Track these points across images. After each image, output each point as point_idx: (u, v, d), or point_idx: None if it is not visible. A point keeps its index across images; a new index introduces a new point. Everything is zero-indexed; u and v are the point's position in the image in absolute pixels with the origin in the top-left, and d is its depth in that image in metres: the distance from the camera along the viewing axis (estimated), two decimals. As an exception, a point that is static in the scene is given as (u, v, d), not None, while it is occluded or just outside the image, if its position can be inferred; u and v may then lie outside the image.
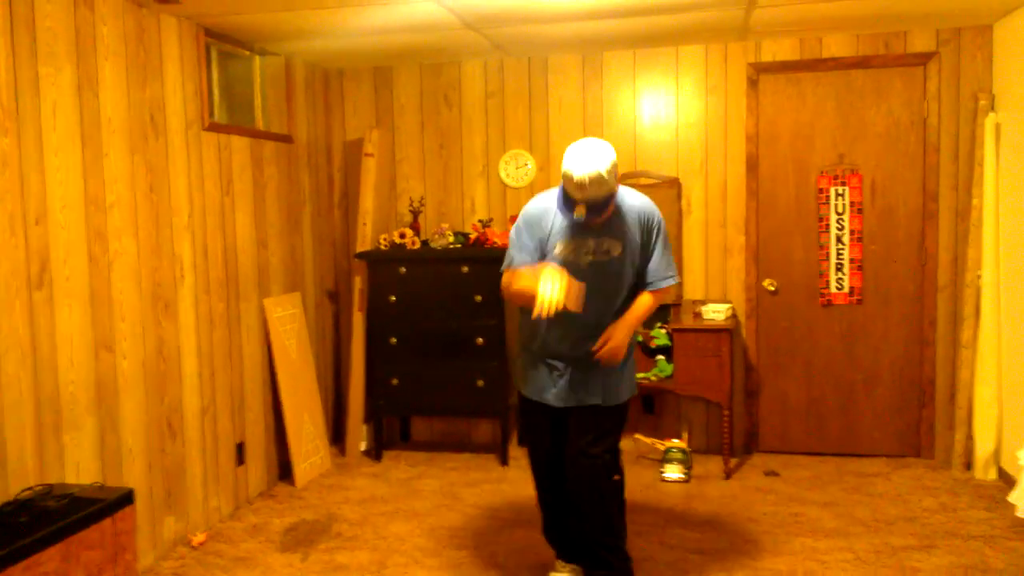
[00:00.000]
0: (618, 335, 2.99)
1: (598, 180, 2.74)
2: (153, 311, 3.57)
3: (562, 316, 2.80)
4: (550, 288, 2.73)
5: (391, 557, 3.61)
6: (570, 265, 2.92)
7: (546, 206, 3.03)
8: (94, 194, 3.24)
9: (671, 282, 3.09)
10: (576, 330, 3.02)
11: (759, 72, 4.76)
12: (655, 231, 3.05)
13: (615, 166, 2.81)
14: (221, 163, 4.09)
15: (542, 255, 3.01)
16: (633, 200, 3.04)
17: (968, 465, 4.47)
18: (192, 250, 3.85)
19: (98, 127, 3.27)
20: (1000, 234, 4.33)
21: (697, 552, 3.57)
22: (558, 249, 2.98)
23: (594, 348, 2.98)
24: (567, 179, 2.80)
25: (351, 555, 3.64)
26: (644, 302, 3.07)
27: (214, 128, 4.02)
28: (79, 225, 3.17)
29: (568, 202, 2.90)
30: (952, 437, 4.57)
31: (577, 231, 2.96)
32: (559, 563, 3.34)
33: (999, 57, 4.40)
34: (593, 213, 2.85)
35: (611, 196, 2.87)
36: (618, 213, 2.98)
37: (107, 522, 2.72)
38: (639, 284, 3.09)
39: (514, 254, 3.05)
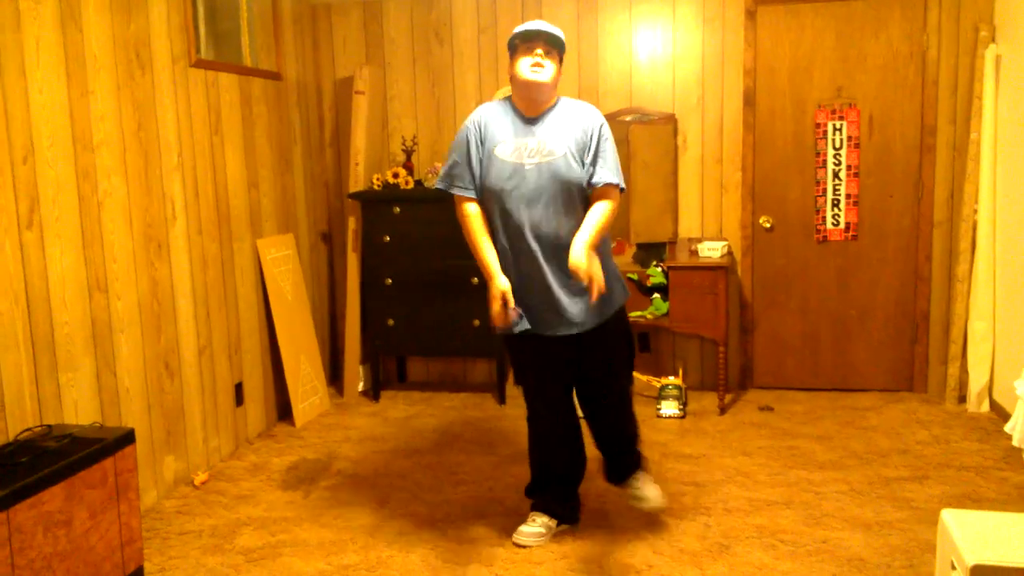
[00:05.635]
0: (587, 263, 2.83)
1: (550, 27, 2.99)
2: (146, 252, 3.53)
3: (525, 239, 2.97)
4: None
5: (392, 494, 3.64)
6: (515, 169, 2.97)
7: (499, 109, 3.08)
8: (81, 132, 3.17)
9: (613, 180, 2.97)
10: (541, 246, 2.97)
11: (757, 3, 4.66)
12: (597, 134, 3.00)
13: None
14: (209, 101, 4.00)
15: (480, 162, 3.02)
16: (574, 104, 3.11)
17: (961, 398, 4.52)
18: (183, 190, 3.79)
19: (83, 63, 3.18)
20: (997, 168, 4.30)
21: (693, 484, 3.61)
22: (503, 152, 2.99)
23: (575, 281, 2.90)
24: (518, 32, 2.99)
25: (353, 492, 3.68)
26: (594, 210, 2.95)
27: (201, 64, 3.92)
28: (67, 164, 3.10)
29: (512, 109, 3.06)
30: (945, 371, 4.62)
31: (520, 132, 3.01)
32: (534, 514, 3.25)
33: (1002, -14, 4.32)
34: (541, 59, 2.95)
35: (561, 47, 3.02)
36: (558, 115, 3.04)
37: (108, 461, 2.72)
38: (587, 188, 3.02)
39: (456, 159, 3.06)
